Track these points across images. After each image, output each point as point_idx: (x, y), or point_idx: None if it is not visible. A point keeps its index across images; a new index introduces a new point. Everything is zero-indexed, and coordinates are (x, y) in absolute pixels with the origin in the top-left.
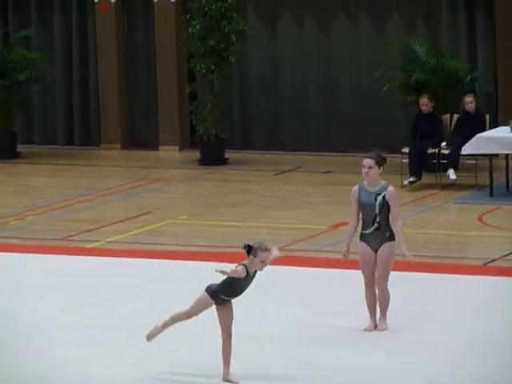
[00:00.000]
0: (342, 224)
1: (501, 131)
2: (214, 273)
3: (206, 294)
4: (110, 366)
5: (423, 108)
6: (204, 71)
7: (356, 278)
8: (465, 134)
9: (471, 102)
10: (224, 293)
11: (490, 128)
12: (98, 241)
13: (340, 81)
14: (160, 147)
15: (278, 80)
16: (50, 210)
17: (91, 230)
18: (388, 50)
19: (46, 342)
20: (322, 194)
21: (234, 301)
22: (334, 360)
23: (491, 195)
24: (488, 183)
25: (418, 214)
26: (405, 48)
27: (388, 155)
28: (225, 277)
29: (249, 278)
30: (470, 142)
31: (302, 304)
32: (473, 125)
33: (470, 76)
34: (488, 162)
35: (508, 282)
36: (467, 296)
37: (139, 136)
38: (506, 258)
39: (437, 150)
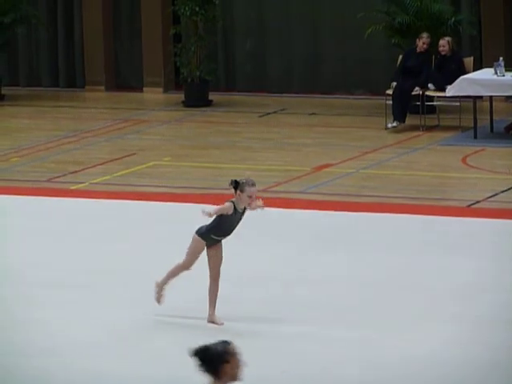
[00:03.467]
0: (327, 166)
1: (485, 73)
2: (199, 214)
3: (195, 235)
4: (97, 307)
5: (423, 46)
6: (188, 13)
7: (339, 218)
8: (444, 76)
9: (443, 46)
10: (214, 232)
11: (474, 70)
12: (83, 182)
13: (324, 23)
14: (144, 89)
15: (262, 22)
16: (34, 151)
17: (75, 171)
18: None
19: (29, 284)
20: (307, 135)
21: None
22: (321, 299)
23: (475, 137)
24: (472, 125)
25: (402, 156)
26: None
27: (372, 97)
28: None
29: (237, 214)
30: (453, 84)
31: (287, 245)
32: (449, 67)
33: (453, 18)
34: (472, 103)
35: (491, 224)
36: (451, 237)
37: (123, 78)
38: (489, 199)
39: (421, 92)
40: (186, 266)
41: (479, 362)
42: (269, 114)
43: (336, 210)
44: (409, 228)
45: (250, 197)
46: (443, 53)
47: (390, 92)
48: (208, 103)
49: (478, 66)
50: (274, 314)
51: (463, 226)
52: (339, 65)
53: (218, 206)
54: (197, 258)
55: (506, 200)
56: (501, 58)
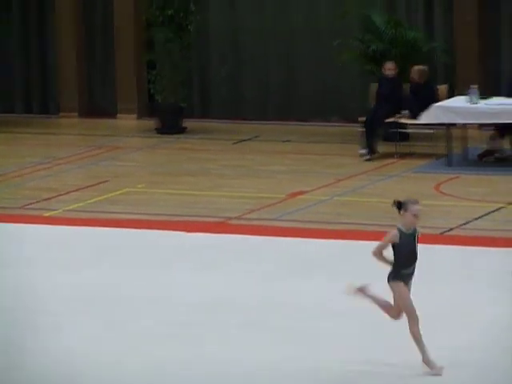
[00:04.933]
0: (301, 193)
1: (458, 101)
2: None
3: (391, 283)
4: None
5: (388, 72)
6: (163, 40)
7: (312, 245)
8: (418, 103)
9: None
10: (402, 266)
11: (448, 98)
12: (56, 209)
13: (299, 50)
14: (118, 115)
15: (237, 49)
16: (7, 178)
17: (49, 198)
18: (347, 19)
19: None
20: (281, 162)
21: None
22: (291, 325)
23: (449, 165)
24: (446, 153)
25: (376, 183)
26: (363, 18)
27: (346, 124)
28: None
29: (408, 236)
30: (427, 111)
31: (258, 272)
32: (423, 94)
33: (428, 46)
34: (446, 131)
35: (464, 251)
36: (425, 265)
37: (97, 104)
38: (463, 227)
39: (395, 120)
40: (412, 316)
41: None
42: (243, 141)
43: (310, 237)
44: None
45: (415, 215)
46: (416, 81)
47: (363, 119)
48: (182, 130)
49: (451, 94)
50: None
51: (436, 253)
52: (314, 92)
53: (385, 238)
54: (410, 300)
55: (479, 227)
56: (474, 86)
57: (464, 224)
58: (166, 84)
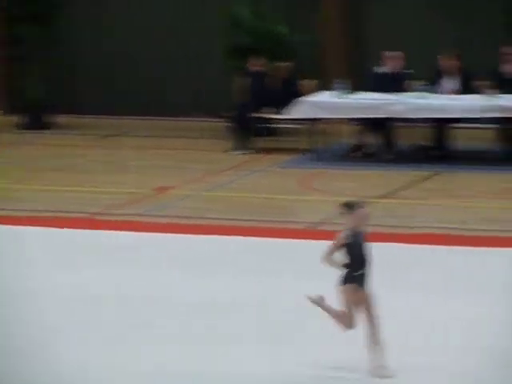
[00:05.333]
0: (169, 188)
1: (325, 96)
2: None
3: (343, 286)
4: None
5: (254, 68)
6: (29, 35)
7: (180, 241)
8: (284, 98)
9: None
10: (354, 268)
11: (315, 92)
12: None
13: (169, 46)
14: None
15: (107, 44)
16: None
17: None
18: (213, 14)
19: None
20: (149, 158)
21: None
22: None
23: (316, 159)
24: (313, 147)
25: (244, 178)
26: (229, 12)
27: (213, 120)
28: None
29: (358, 237)
30: (294, 106)
31: (136, 266)
32: (289, 89)
33: (295, 41)
34: (313, 126)
35: (323, 245)
36: (292, 259)
37: None
38: (329, 221)
39: (261, 115)
40: (351, 317)
41: None
42: (111, 136)
43: (177, 232)
44: (255, 250)
45: (364, 216)
46: (283, 75)
47: (229, 115)
48: (49, 126)
49: (318, 89)
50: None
51: (304, 247)
52: (182, 88)
53: (335, 243)
54: (360, 306)
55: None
56: (341, 81)
57: (331, 219)
58: (32, 80)
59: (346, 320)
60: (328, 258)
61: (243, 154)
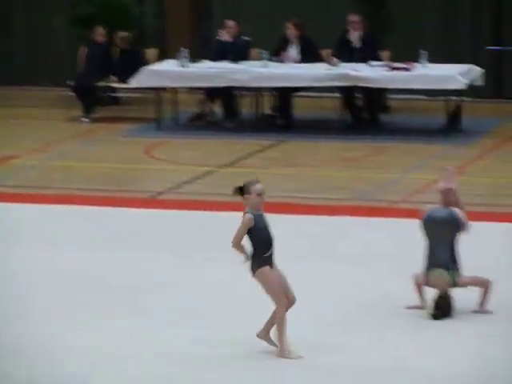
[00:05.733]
0: (11, 158)
1: (169, 65)
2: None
3: (257, 272)
4: None
5: (97, 37)
6: None
7: (21, 211)
8: (128, 67)
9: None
10: (262, 251)
11: (158, 61)
12: None
13: (18, 19)
14: None
15: None
16: None
17: None
18: None
19: None
20: None
21: None
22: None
23: (159, 129)
24: (156, 117)
25: (86, 148)
26: None
27: (56, 88)
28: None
29: (260, 218)
30: (137, 75)
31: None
32: (132, 58)
33: (138, 10)
34: (156, 95)
35: (177, 214)
36: (134, 229)
37: None
38: (173, 190)
39: (105, 84)
40: (282, 303)
41: None
42: None
43: (20, 202)
44: (97, 220)
45: (259, 194)
46: (125, 46)
47: (72, 83)
48: None
49: (162, 58)
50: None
51: (147, 216)
52: (27, 56)
53: (238, 230)
54: (281, 287)
55: (189, 191)
56: (184, 49)
57: (174, 188)
58: None
59: (280, 308)
60: (238, 243)
61: (87, 122)
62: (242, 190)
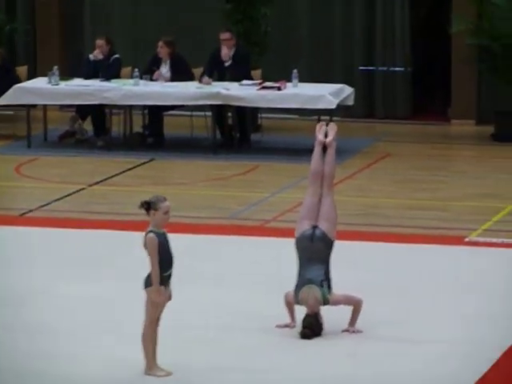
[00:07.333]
0: None
1: (39, 82)
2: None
3: (149, 289)
4: None
5: None
6: None
7: None
8: None
9: None
10: (163, 269)
11: (29, 79)
12: None
13: None
14: None
15: None
16: None
17: None
18: None
19: None
20: None
21: None
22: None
23: (29, 146)
24: (26, 134)
25: None
26: None
27: None
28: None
29: (163, 236)
30: (7, 93)
31: None
32: (2, 76)
33: (8, 27)
34: (26, 112)
35: (43, 232)
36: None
37: None
38: (42, 208)
39: None
40: (152, 321)
41: None
42: None
43: None
44: None
45: (166, 212)
46: None
47: None
48: None
49: (32, 75)
50: None
51: (16, 234)
52: None
53: (149, 252)
54: (161, 309)
55: (58, 209)
56: (55, 67)
57: (44, 205)
58: None
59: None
60: (156, 270)
61: None
62: (149, 206)
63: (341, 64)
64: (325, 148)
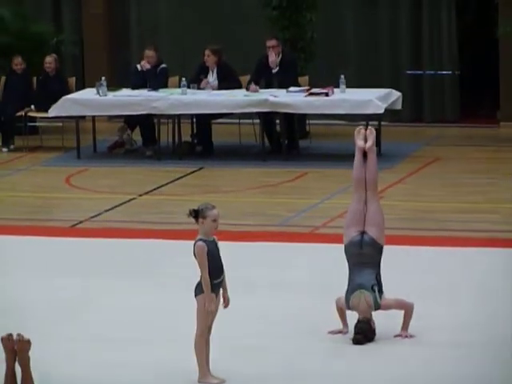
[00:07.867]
0: None
1: (87, 93)
2: None
3: (199, 296)
4: None
5: (15, 67)
6: None
7: None
8: (47, 96)
9: (50, 63)
10: (213, 277)
11: (77, 90)
12: None
13: None
14: None
15: None
16: None
17: None
18: None
19: None
20: None
21: None
22: None
23: (78, 157)
24: (75, 145)
25: (6, 178)
26: None
27: None
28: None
29: (212, 245)
30: (56, 104)
31: None
32: (53, 87)
33: (55, 39)
34: (75, 124)
35: (95, 243)
36: (55, 258)
37: None
38: (92, 219)
39: (23, 113)
40: (203, 330)
41: None
42: None
43: None
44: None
45: (214, 220)
46: (48, 70)
47: None
48: None
49: (80, 86)
50: None
51: (67, 245)
52: None
53: (199, 260)
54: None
55: (108, 219)
56: (103, 78)
57: (94, 216)
58: None
59: (200, 338)
60: (207, 277)
61: (5, 152)
62: (197, 214)
63: (388, 68)
64: (365, 153)
